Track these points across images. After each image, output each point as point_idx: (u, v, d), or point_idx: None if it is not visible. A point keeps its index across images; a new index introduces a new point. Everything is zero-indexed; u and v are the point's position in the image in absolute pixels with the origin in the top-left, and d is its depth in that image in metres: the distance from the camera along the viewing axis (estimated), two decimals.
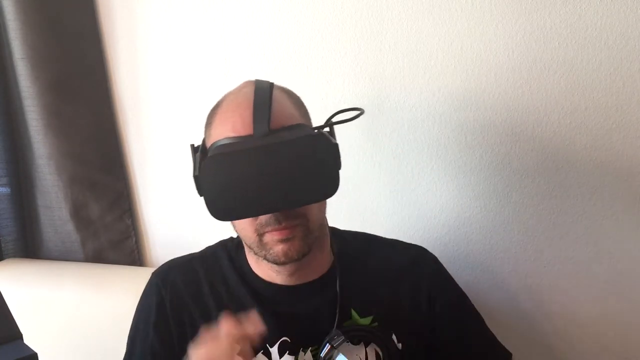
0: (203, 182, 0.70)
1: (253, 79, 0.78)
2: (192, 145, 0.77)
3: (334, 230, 0.87)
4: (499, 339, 0.90)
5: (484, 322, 0.90)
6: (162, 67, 1.16)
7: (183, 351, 0.81)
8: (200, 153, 0.74)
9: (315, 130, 0.74)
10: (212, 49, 1.12)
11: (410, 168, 1.07)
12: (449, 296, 0.88)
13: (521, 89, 0.99)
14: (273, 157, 0.68)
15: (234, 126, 0.72)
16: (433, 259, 0.90)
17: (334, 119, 0.78)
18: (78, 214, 1.21)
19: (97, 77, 1.19)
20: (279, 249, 0.73)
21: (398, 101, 1.05)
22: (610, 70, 0.95)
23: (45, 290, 1.13)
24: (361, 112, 0.78)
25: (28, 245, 1.27)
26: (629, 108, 0.95)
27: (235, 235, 0.88)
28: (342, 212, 1.09)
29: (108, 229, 1.24)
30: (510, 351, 0.90)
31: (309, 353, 0.80)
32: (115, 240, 1.24)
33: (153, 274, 0.87)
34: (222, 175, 0.68)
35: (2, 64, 1.18)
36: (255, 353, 0.78)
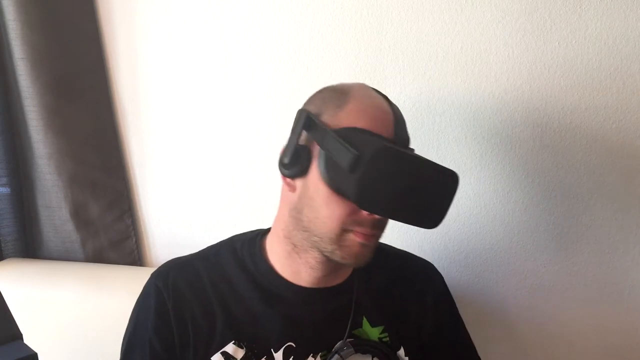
0: (365, 166, 0.68)
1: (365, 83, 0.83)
2: (307, 114, 0.75)
3: None
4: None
5: (474, 348, 0.92)
6: (162, 67, 1.16)
7: (185, 352, 0.80)
8: (334, 131, 0.71)
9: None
10: (212, 49, 1.12)
11: None
12: (451, 317, 0.91)
13: (521, 89, 0.99)
14: (430, 176, 0.72)
15: (375, 122, 0.73)
16: (441, 277, 0.92)
17: None
18: (78, 214, 1.21)
19: (97, 77, 1.19)
20: (356, 250, 0.74)
21: (398, 101, 1.04)
22: (610, 70, 0.95)
23: (45, 290, 1.13)
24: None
25: (28, 245, 1.27)
26: (629, 108, 0.95)
27: (229, 237, 0.88)
28: None
29: (108, 229, 1.24)
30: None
31: (319, 359, 0.79)
32: (115, 240, 1.24)
33: (152, 275, 0.85)
34: (385, 170, 0.70)
35: (2, 64, 1.17)
36: (258, 358, 0.78)
